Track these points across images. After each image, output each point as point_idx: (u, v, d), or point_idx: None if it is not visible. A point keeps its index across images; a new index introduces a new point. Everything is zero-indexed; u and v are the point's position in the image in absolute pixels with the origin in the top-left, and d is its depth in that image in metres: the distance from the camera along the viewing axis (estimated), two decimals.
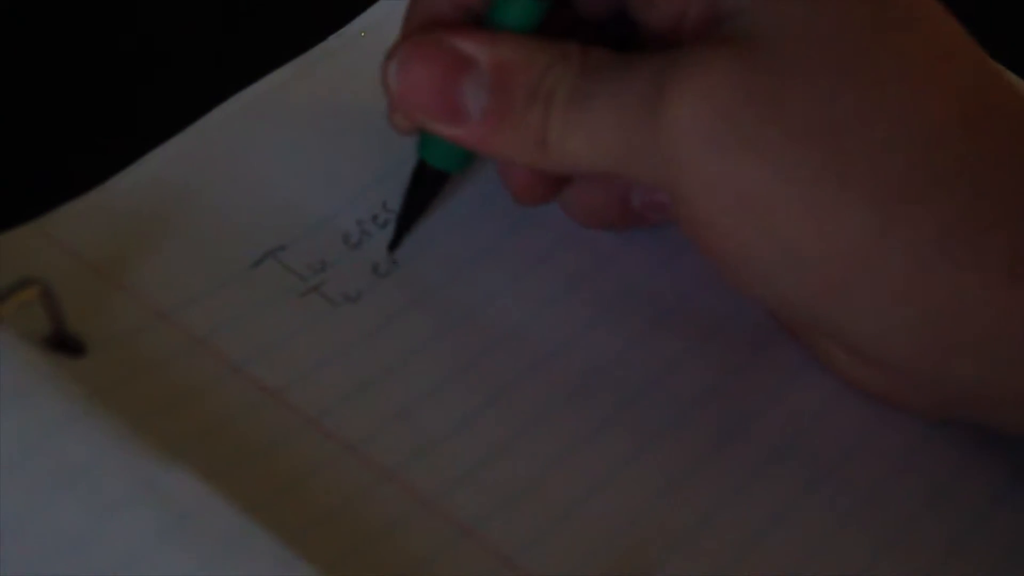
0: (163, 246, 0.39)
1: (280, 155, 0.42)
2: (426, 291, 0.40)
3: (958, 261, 0.34)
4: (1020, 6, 0.38)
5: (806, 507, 0.37)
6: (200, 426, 0.36)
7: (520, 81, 0.36)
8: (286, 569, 0.32)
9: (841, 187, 0.34)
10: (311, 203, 0.41)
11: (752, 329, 0.40)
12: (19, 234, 0.38)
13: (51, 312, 0.35)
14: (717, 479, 0.37)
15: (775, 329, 0.40)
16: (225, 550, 0.32)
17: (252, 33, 0.46)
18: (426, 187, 0.40)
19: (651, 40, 0.38)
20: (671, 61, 0.35)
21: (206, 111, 0.42)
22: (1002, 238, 0.34)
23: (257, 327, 0.38)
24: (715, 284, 0.40)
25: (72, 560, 0.31)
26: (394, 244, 0.40)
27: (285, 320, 0.38)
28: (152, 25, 0.45)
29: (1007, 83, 0.36)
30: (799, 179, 0.34)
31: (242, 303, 0.38)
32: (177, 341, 0.37)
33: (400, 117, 0.39)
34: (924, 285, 0.34)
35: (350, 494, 0.35)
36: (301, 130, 0.42)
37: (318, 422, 0.36)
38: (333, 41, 0.45)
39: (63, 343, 0.36)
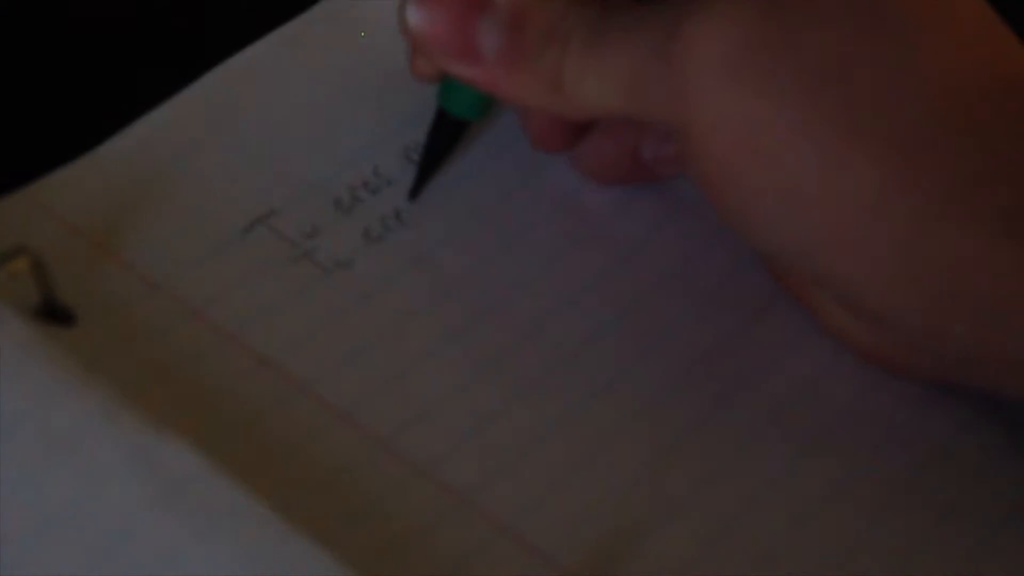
0: (153, 212, 0.39)
1: (270, 121, 0.42)
2: (419, 257, 0.40)
3: (960, 215, 0.34)
4: (1020, 6, 0.38)
5: (802, 472, 0.37)
6: (191, 395, 0.35)
7: (536, 23, 0.36)
8: (278, 538, 0.32)
9: (851, 132, 0.34)
10: (302, 169, 0.41)
11: (748, 295, 0.40)
12: (9, 202, 0.38)
13: (41, 282, 0.35)
14: (713, 445, 0.37)
15: (771, 296, 0.40)
16: (217, 519, 0.32)
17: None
18: (446, 136, 0.41)
19: None
20: (687, 4, 0.35)
21: (196, 77, 0.42)
22: (1004, 196, 0.34)
23: (248, 294, 0.38)
24: (711, 251, 0.40)
25: (64, 530, 0.31)
26: (415, 192, 0.41)
27: (277, 287, 0.38)
28: None
29: None
30: (810, 121, 0.34)
31: (233, 270, 0.38)
32: (168, 309, 0.37)
33: (423, 62, 0.39)
34: (925, 237, 0.34)
35: (343, 462, 0.35)
36: (291, 96, 0.42)
37: (311, 389, 0.36)
38: (323, 7, 0.45)
39: (53, 313, 0.36)
